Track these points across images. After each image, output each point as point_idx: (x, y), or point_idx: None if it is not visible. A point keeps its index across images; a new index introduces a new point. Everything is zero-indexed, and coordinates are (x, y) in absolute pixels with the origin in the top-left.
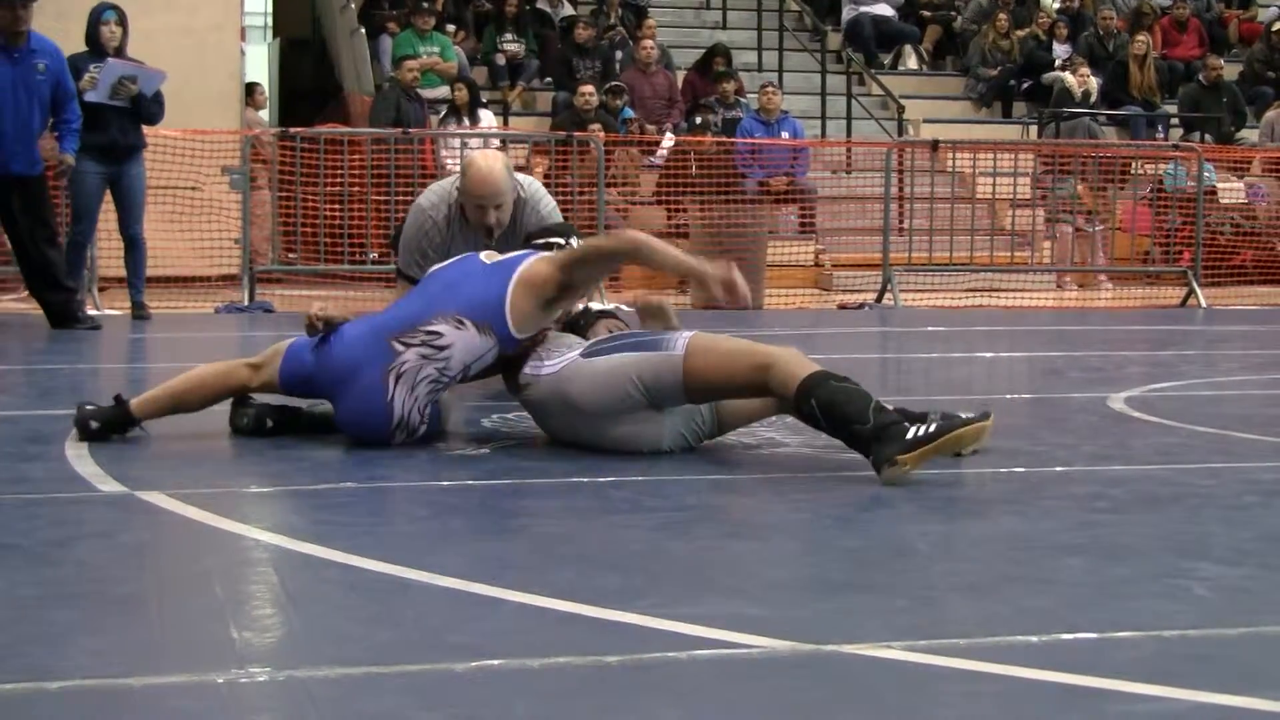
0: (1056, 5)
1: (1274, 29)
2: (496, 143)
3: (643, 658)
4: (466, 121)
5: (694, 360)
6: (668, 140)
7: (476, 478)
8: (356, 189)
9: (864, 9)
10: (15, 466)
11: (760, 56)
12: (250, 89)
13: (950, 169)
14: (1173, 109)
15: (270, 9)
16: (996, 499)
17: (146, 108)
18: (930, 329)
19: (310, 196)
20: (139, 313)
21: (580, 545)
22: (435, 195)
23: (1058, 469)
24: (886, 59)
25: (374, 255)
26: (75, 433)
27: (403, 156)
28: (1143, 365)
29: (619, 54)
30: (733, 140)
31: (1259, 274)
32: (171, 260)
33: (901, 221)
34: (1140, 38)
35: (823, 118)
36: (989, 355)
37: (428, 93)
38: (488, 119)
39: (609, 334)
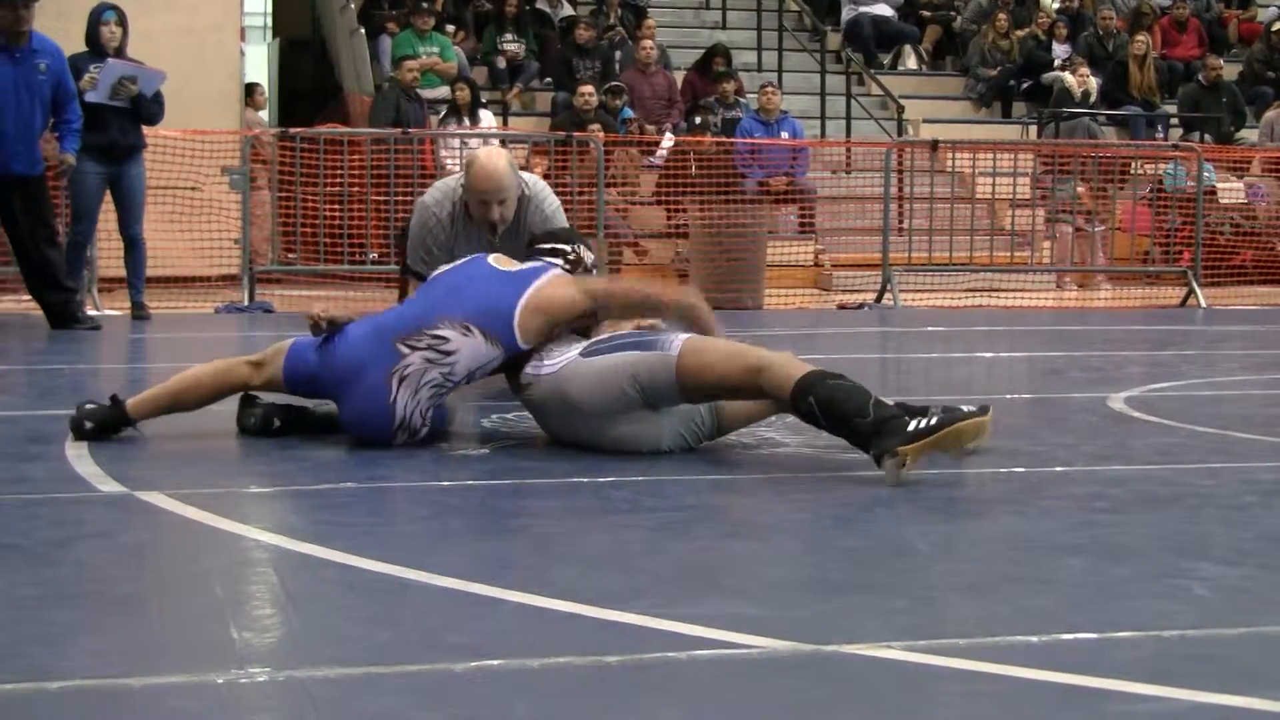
0: (1056, 5)
1: (1274, 29)
2: (496, 142)
3: (643, 658)
4: (467, 121)
5: (687, 360)
6: (667, 140)
7: (477, 478)
8: (356, 189)
9: (863, 9)
10: (15, 466)
11: (760, 56)
12: (250, 89)
13: (950, 169)
14: (1172, 109)
15: (270, 9)
16: (996, 499)
17: (146, 108)
18: (930, 329)
19: (310, 197)
20: (139, 313)
21: (580, 545)
22: (439, 192)
23: (1058, 469)
24: (886, 59)
25: (374, 255)
26: (71, 433)
27: (402, 157)
28: (1143, 365)
29: (618, 54)
30: (732, 140)
31: (1259, 274)
32: (171, 260)
33: (901, 221)
34: (1140, 38)
35: (822, 118)
36: (989, 355)
37: (427, 93)
38: (487, 119)
39: (610, 334)
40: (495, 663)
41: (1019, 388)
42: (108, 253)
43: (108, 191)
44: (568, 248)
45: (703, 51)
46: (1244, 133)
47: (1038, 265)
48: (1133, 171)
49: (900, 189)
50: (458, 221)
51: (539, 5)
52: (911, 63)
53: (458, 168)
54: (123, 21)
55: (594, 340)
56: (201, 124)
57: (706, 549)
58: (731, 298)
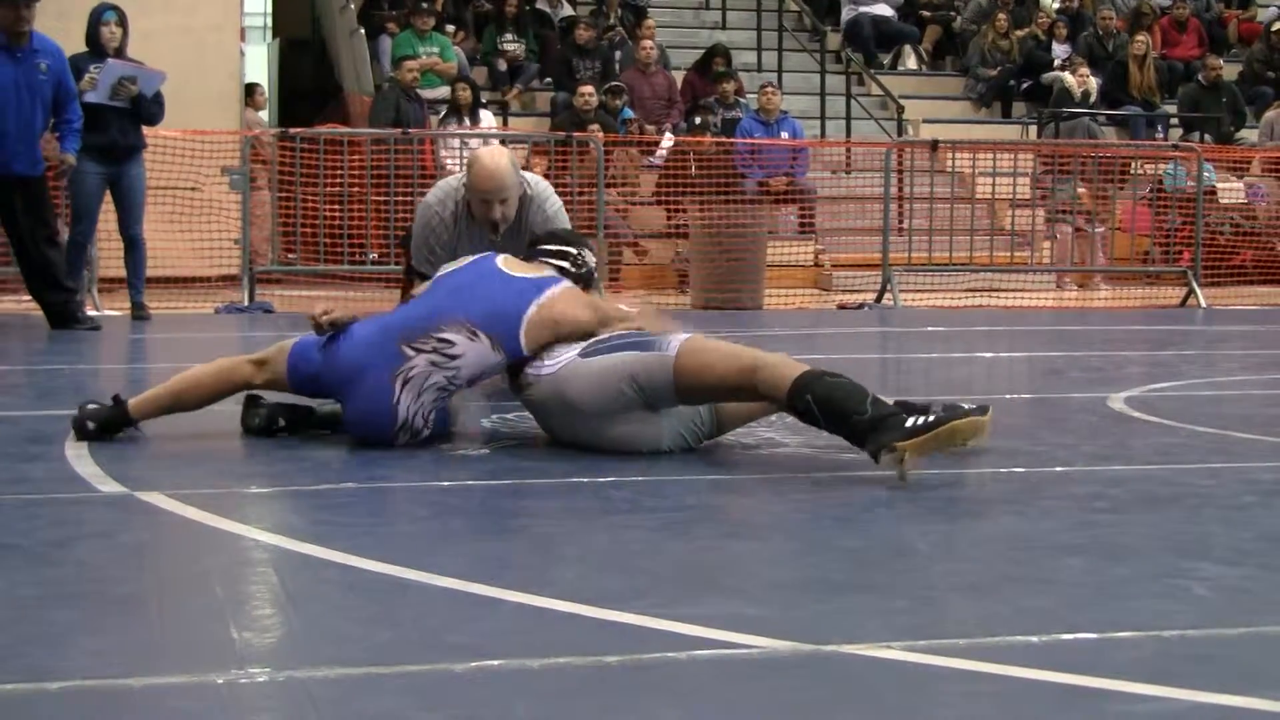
0: (1056, 5)
1: (1273, 29)
2: (496, 142)
3: (643, 658)
4: (468, 122)
5: (684, 360)
6: (667, 140)
7: (476, 478)
8: (356, 189)
9: (863, 9)
10: (16, 467)
11: (760, 57)
12: (250, 89)
13: (950, 169)
14: (1172, 109)
15: (270, 9)
16: (996, 499)
17: (146, 108)
18: (930, 329)
19: (310, 197)
20: (139, 313)
21: (580, 545)
22: (442, 192)
23: (1058, 469)
24: (886, 59)
25: (374, 255)
26: (73, 433)
27: (402, 157)
28: (1143, 365)
29: (618, 54)
30: (732, 140)
31: (1259, 274)
32: (171, 261)
33: (901, 221)
34: (1140, 38)
35: (822, 118)
36: (989, 355)
37: (427, 93)
38: (487, 119)
39: (608, 334)
40: (495, 663)
41: (1019, 388)
42: (108, 253)
43: (108, 192)
44: (573, 250)
45: (702, 51)
46: (1244, 133)
47: (1038, 265)
48: (1133, 171)
49: (900, 189)
50: (460, 221)
51: (539, 5)
52: (911, 63)
53: (458, 168)
54: (123, 22)
55: (593, 340)
56: (201, 124)
57: (706, 549)
58: (731, 298)
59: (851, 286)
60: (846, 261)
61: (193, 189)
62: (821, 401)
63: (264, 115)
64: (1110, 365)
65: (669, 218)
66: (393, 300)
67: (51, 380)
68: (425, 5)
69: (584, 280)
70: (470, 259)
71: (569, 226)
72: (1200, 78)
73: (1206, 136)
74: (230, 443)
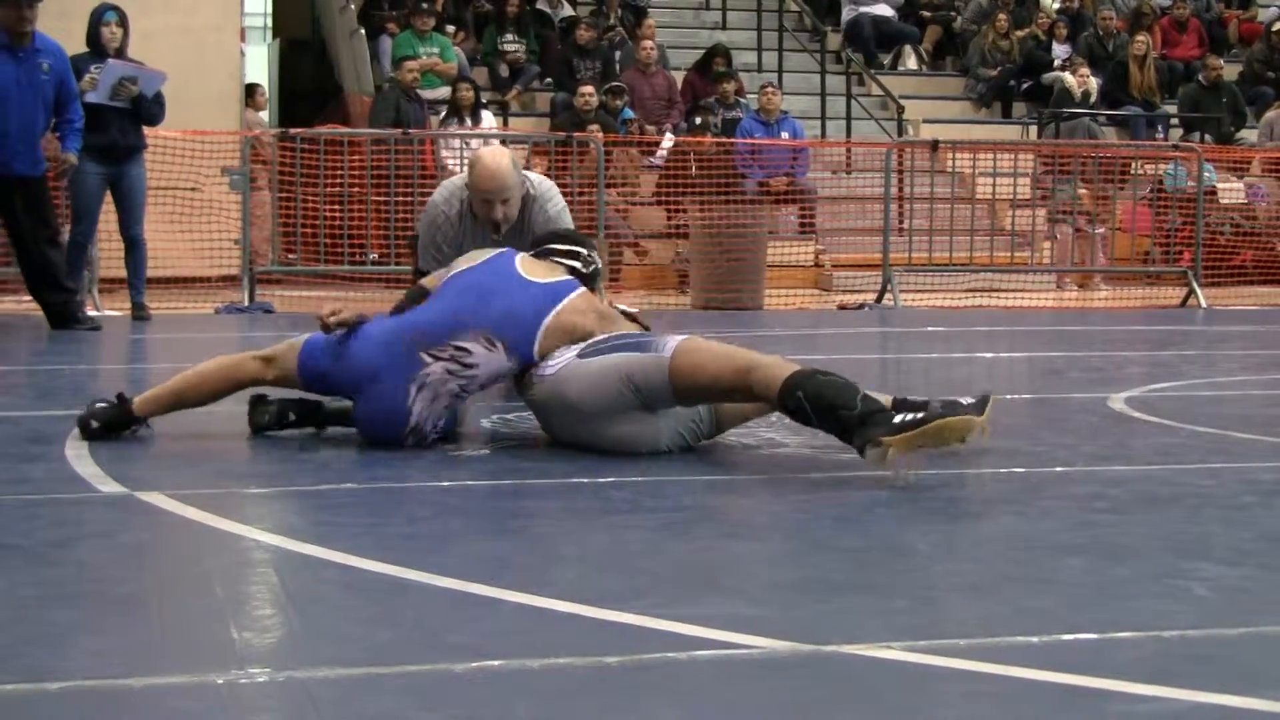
0: (1056, 5)
1: (1274, 29)
2: (497, 143)
3: (643, 658)
4: (469, 122)
5: (680, 361)
6: (667, 140)
7: (477, 478)
8: (356, 190)
9: (864, 9)
10: (16, 467)
11: (760, 57)
12: (250, 90)
13: (950, 169)
14: (1172, 109)
15: (270, 9)
16: (996, 499)
17: (147, 109)
18: (930, 329)
19: (310, 197)
20: (139, 313)
21: (580, 545)
22: (447, 191)
23: (1058, 469)
24: (886, 59)
25: (374, 256)
26: (77, 432)
27: (402, 157)
28: (1143, 365)
29: (619, 54)
30: (732, 140)
31: (1259, 274)
32: (172, 261)
33: (901, 222)
34: (1140, 38)
35: (822, 118)
36: (989, 355)
37: (427, 93)
38: (488, 120)
39: (606, 335)
40: (495, 663)
41: (1019, 388)
42: (108, 253)
43: (108, 192)
44: (583, 250)
45: (703, 52)
46: (1244, 133)
47: (1038, 266)
48: (1133, 172)
49: (900, 189)
50: (465, 220)
51: (539, 6)
52: (912, 63)
53: (459, 168)
54: (123, 22)
55: (591, 341)
56: (201, 124)
57: (706, 549)
58: (732, 298)
59: (852, 287)
60: (847, 262)
61: (193, 189)
62: (812, 399)
63: (264, 115)
64: (1110, 365)
65: (669, 218)
66: (391, 302)
67: (52, 381)
68: (425, 6)
69: (591, 280)
70: (487, 256)
71: (571, 226)
72: (1200, 78)
73: (1207, 137)
74: (230, 443)
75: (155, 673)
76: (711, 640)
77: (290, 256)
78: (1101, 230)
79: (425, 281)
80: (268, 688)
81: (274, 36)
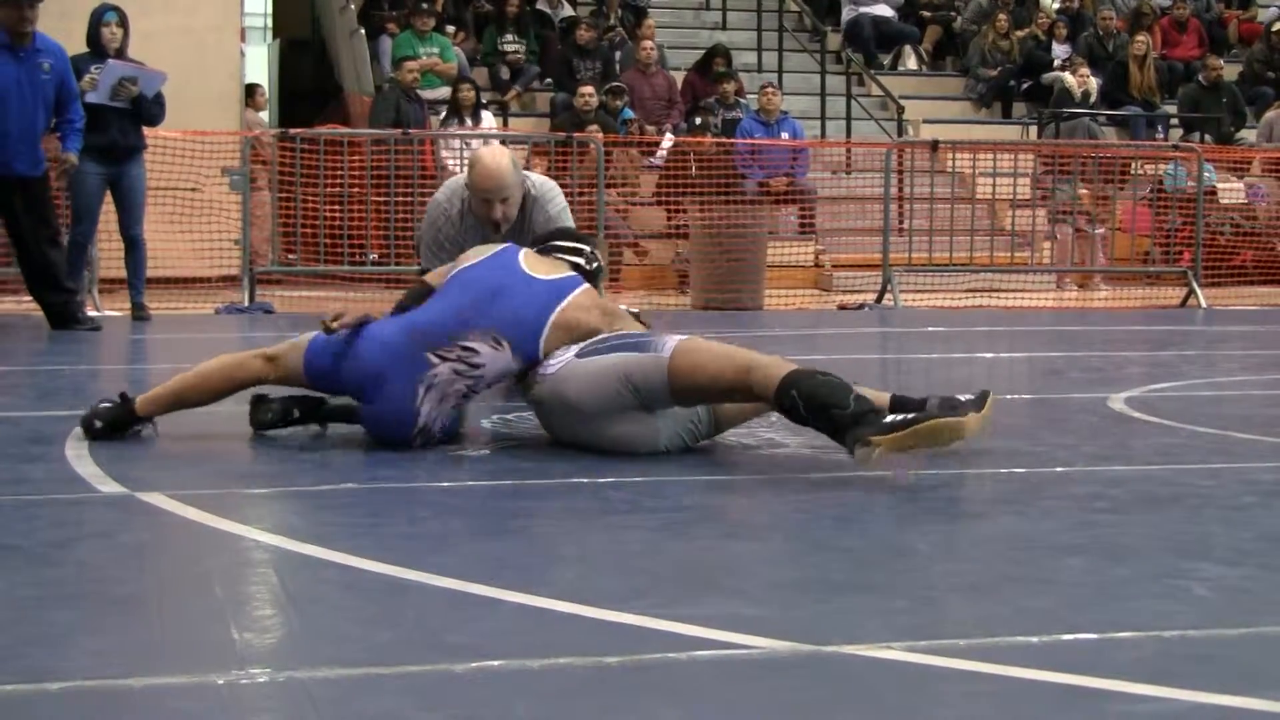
0: (1056, 5)
1: (1274, 29)
2: (497, 143)
3: (643, 658)
4: (469, 122)
5: (679, 361)
6: (667, 141)
7: (476, 478)
8: (356, 190)
9: (864, 9)
10: (16, 467)
11: (760, 57)
12: (250, 90)
13: (950, 169)
14: (1172, 109)
15: (270, 10)
16: (996, 499)
17: (147, 109)
18: (930, 329)
19: (310, 197)
20: (139, 314)
21: (580, 546)
22: (449, 189)
23: (1058, 469)
24: (886, 59)
25: (374, 256)
26: (80, 432)
27: (402, 157)
28: (1143, 365)
29: (618, 55)
30: (732, 141)
31: (1259, 274)
32: (172, 261)
33: (901, 222)
34: (1140, 38)
35: (822, 118)
36: (989, 356)
37: (427, 93)
38: (488, 120)
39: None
40: (495, 663)
41: (1019, 388)
42: (108, 253)
43: (108, 192)
44: (586, 247)
45: (703, 52)
46: (1244, 133)
47: (1038, 266)
48: (1133, 172)
49: (900, 189)
50: (466, 218)
51: (539, 6)
52: (912, 63)
53: (459, 168)
54: (124, 22)
55: (590, 341)
56: (202, 125)
57: (706, 549)
58: (732, 298)
59: (852, 287)
60: (847, 262)
61: (193, 189)
62: (806, 397)
63: (264, 116)
64: (1110, 366)
65: (669, 218)
66: (391, 302)
67: (52, 381)
68: (425, 6)
69: (594, 277)
70: (491, 251)
71: (573, 226)
72: (1200, 78)
73: (1207, 137)
74: (230, 443)
75: (155, 673)
76: (711, 640)
77: (290, 257)
78: (1101, 231)
79: (429, 277)
80: (268, 688)
81: (274, 37)
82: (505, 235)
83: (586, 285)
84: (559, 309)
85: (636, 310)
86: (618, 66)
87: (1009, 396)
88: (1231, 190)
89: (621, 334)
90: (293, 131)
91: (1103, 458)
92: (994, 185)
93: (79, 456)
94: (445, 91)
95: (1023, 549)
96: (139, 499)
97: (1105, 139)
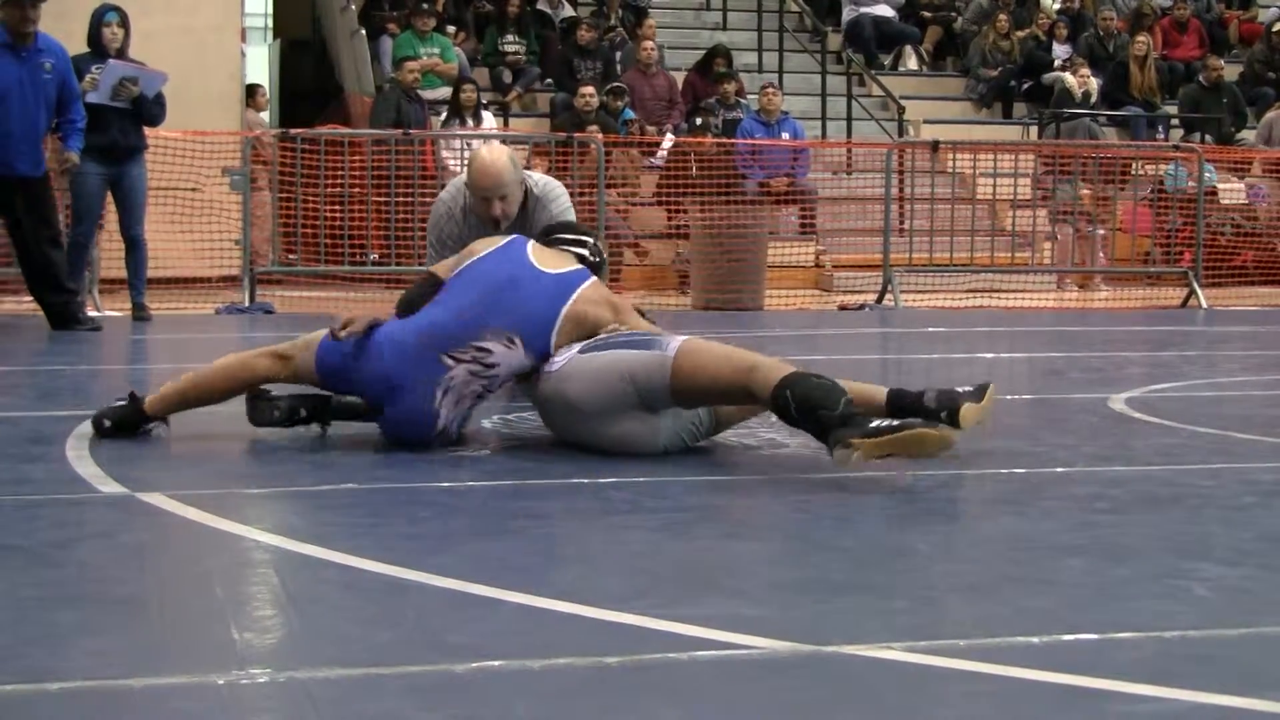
0: (1057, 6)
1: (1274, 29)
2: (496, 142)
3: (643, 658)
4: (470, 122)
5: (682, 361)
6: (668, 141)
7: (477, 478)
8: (357, 190)
9: (864, 10)
10: (16, 468)
11: (760, 57)
12: (251, 90)
13: (951, 170)
14: (1173, 110)
15: (271, 10)
16: (997, 499)
17: (148, 109)
18: (931, 330)
19: (311, 198)
20: (139, 314)
21: (581, 546)
22: (453, 188)
23: (1058, 470)
24: (887, 60)
25: (374, 256)
26: (80, 431)
27: (403, 158)
28: (1143, 366)
29: (619, 55)
30: (733, 141)
31: (1260, 275)
32: (172, 261)
33: (902, 222)
34: (1140, 38)
35: (823, 118)
36: (989, 356)
37: (428, 94)
38: (488, 120)
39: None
40: (496, 663)
41: (1020, 388)
42: (109, 254)
43: (109, 192)
44: (590, 240)
45: (703, 52)
46: (1245, 133)
47: (1038, 266)
48: (1133, 172)
49: (901, 190)
50: (469, 217)
51: (540, 6)
52: (912, 63)
53: (459, 169)
54: (125, 23)
55: (593, 339)
56: (202, 125)
57: (706, 549)
58: (732, 298)
59: (852, 287)
60: (847, 262)
61: (193, 190)
62: (798, 398)
63: (265, 116)
64: (1111, 366)
65: (670, 218)
66: (392, 302)
67: (52, 381)
68: (426, 6)
69: (598, 269)
70: (498, 244)
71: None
72: (1201, 78)
73: (1207, 137)
74: (231, 443)
75: (156, 673)
76: (711, 640)
77: (291, 257)
78: (1102, 232)
79: (437, 269)
80: (268, 688)
81: (275, 37)
82: (507, 234)
83: (594, 278)
84: (569, 303)
85: (644, 310)
86: (618, 67)
87: (1009, 397)
88: (1232, 191)
89: (627, 332)
90: (293, 132)
91: (1103, 458)
92: (994, 185)
93: (79, 457)
94: (446, 92)
95: (1023, 549)
96: (139, 499)
97: (1106, 139)
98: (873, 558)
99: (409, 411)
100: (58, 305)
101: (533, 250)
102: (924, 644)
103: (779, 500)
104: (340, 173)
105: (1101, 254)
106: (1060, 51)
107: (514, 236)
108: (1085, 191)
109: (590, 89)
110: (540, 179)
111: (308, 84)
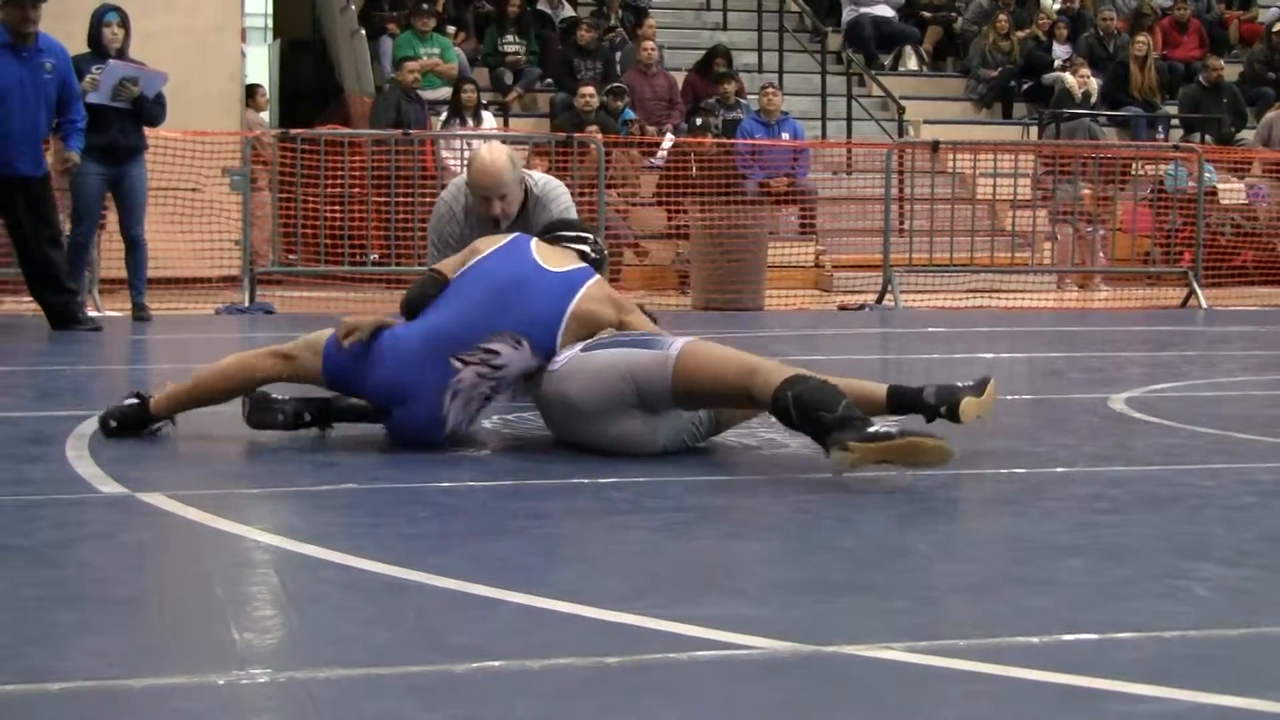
0: (1057, 6)
1: (1274, 30)
2: (496, 141)
3: (643, 658)
4: (471, 122)
5: (684, 362)
6: (667, 141)
7: (477, 478)
8: (357, 190)
9: (864, 10)
10: (16, 468)
11: (760, 57)
12: (251, 90)
13: (951, 170)
14: (1173, 110)
15: (271, 10)
16: (997, 499)
17: (148, 109)
18: (931, 330)
19: (310, 198)
20: (139, 314)
21: (581, 546)
22: (455, 188)
23: (1058, 470)
24: (887, 60)
25: (374, 256)
26: (80, 431)
27: (403, 158)
28: (1143, 366)
29: (619, 55)
30: (733, 141)
31: (1259, 275)
32: (172, 262)
33: (902, 222)
34: (1140, 38)
35: (823, 119)
36: (989, 356)
37: (428, 94)
38: (488, 120)
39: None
40: (496, 663)
41: (1020, 388)
42: (109, 254)
43: (109, 192)
44: (591, 236)
45: (703, 52)
46: (1245, 133)
47: (1038, 266)
48: (1133, 172)
49: (901, 190)
50: (471, 216)
51: (540, 6)
52: (912, 64)
53: (459, 169)
54: (125, 23)
55: (596, 339)
56: (202, 125)
57: (707, 549)
58: (732, 299)
59: (852, 287)
60: (847, 262)
61: (194, 190)
62: (797, 398)
63: (265, 116)
64: (1111, 366)
65: (670, 218)
66: (392, 302)
67: (52, 381)
68: (426, 6)
69: (599, 266)
70: (502, 241)
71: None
72: (1201, 78)
73: (1207, 137)
74: (231, 444)
75: (156, 673)
76: (711, 640)
77: (291, 257)
78: (1102, 232)
79: (441, 266)
80: (268, 688)
81: (275, 37)
82: (508, 233)
83: (597, 276)
84: (574, 301)
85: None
86: (618, 67)
87: (1010, 397)
88: (1232, 191)
89: (626, 333)
90: (293, 132)
91: (1103, 458)
92: (994, 186)
93: (79, 457)
94: (446, 92)
95: (1023, 549)
96: (139, 499)
97: (1106, 139)
98: (873, 558)
99: (418, 416)
100: (58, 305)
101: (536, 248)
102: (924, 644)
103: (779, 500)
104: (340, 173)
105: (1101, 254)
106: (1060, 52)
107: (517, 235)
108: (1086, 191)
109: (590, 89)
110: (541, 178)
111: (308, 84)
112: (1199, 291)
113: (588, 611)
